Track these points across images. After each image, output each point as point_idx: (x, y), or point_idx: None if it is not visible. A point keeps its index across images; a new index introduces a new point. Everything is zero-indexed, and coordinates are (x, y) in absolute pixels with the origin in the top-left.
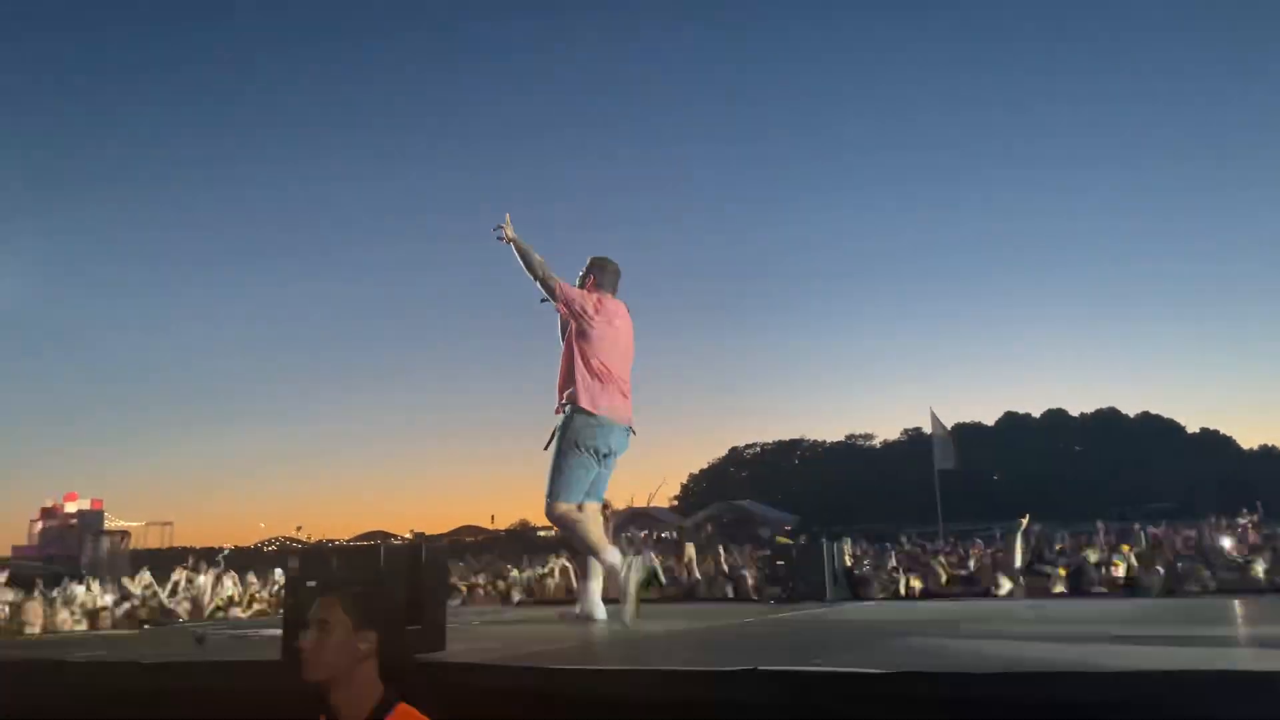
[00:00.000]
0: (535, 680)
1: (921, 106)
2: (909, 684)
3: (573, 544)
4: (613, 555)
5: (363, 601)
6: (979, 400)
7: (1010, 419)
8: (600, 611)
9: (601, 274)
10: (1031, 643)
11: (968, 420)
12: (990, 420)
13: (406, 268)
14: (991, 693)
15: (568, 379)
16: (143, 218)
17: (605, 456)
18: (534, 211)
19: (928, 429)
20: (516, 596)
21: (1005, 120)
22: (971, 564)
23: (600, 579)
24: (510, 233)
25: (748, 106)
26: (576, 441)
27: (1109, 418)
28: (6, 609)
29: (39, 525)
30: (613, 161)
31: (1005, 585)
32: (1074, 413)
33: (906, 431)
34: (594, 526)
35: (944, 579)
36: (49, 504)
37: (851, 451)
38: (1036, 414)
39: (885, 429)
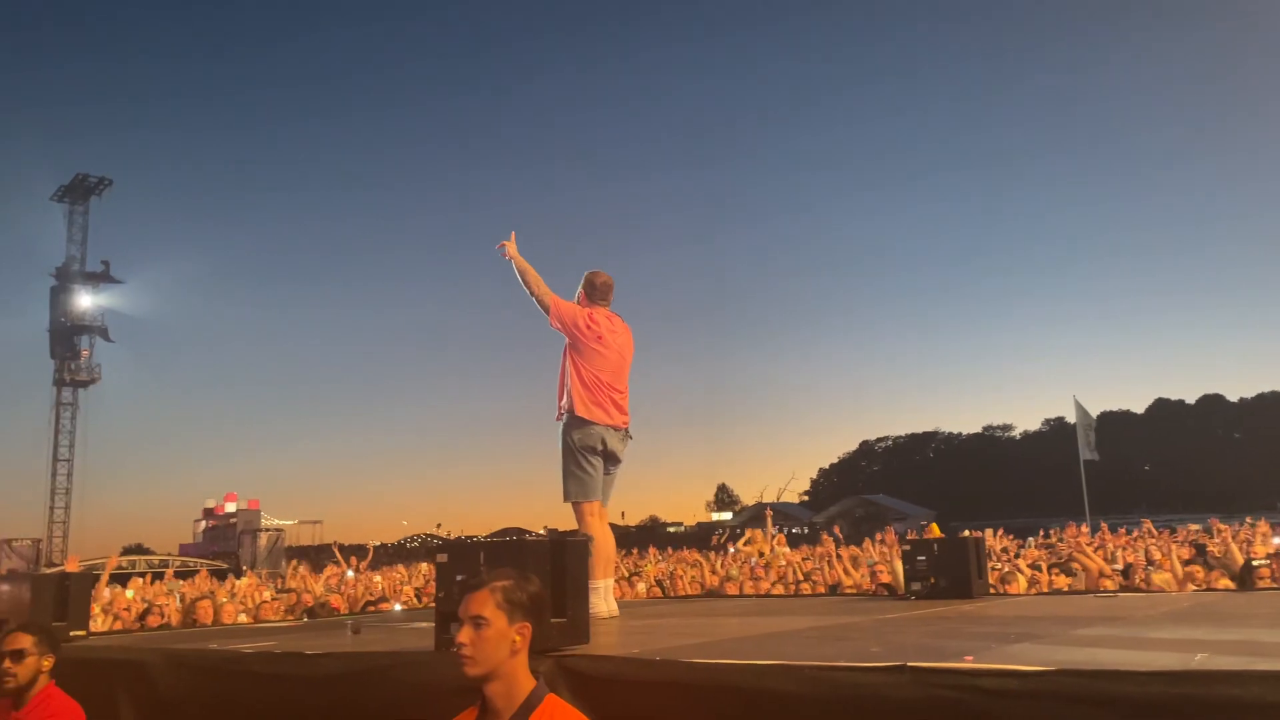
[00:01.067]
0: (679, 673)
1: (1048, 96)
2: (1066, 682)
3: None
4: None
5: (516, 594)
6: (1127, 387)
7: (1161, 406)
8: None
9: (591, 289)
10: (1194, 640)
11: (1115, 408)
12: (1140, 408)
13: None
14: (1156, 692)
15: (563, 389)
16: (293, 234)
17: (605, 457)
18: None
19: (1071, 418)
20: (645, 591)
21: (1144, 107)
22: (1122, 557)
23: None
24: (511, 250)
25: (860, 96)
26: (574, 446)
27: (1271, 401)
28: (180, 603)
29: (202, 525)
30: (735, 160)
31: (1163, 579)
32: (1232, 397)
33: (1048, 421)
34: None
35: (1094, 573)
36: (211, 505)
37: (989, 443)
38: (1190, 399)
39: (1025, 419)
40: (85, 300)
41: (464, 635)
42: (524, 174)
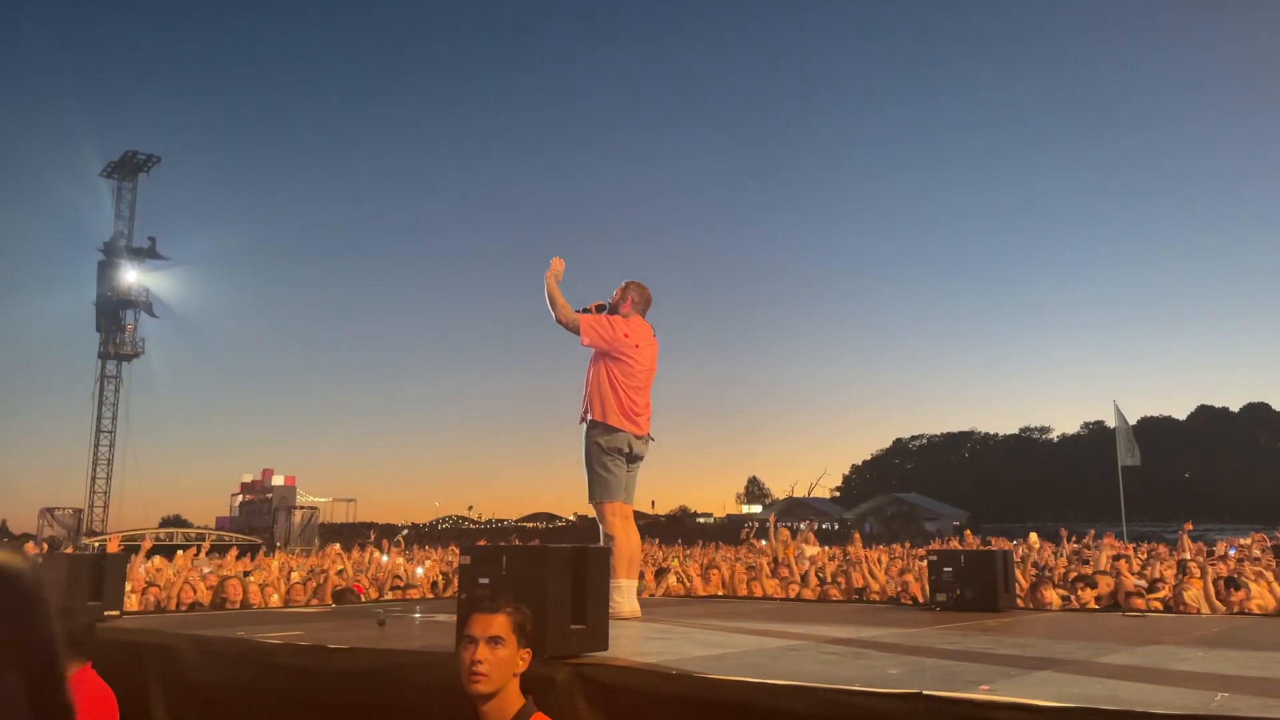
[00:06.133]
0: (694, 689)
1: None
2: None
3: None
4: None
5: (523, 620)
6: (1170, 392)
7: (1205, 413)
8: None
9: (641, 299)
10: (1219, 675)
11: (1156, 414)
12: (1182, 414)
13: (576, 256)
14: None
15: (590, 394)
16: (330, 215)
17: (629, 458)
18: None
19: (1111, 422)
20: (671, 587)
21: (1193, 108)
22: (1158, 571)
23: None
24: (556, 271)
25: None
26: (601, 448)
27: None
28: (212, 580)
29: (238, 499)
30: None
31: (1195, 597)
32: (1278, 406)
33: (1087, 425)
34: (619, 531)
35: (1128, 587)
36: (248, 479)
37: (1026, 445)
38: (1235, 407)
39: (1064, 422)
40: (131, 276)
41: (482, 653)
42: (558, 163)
